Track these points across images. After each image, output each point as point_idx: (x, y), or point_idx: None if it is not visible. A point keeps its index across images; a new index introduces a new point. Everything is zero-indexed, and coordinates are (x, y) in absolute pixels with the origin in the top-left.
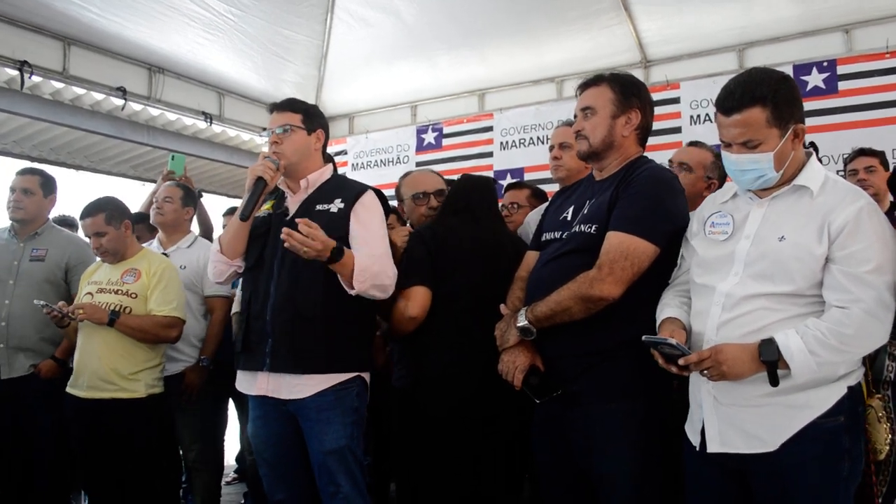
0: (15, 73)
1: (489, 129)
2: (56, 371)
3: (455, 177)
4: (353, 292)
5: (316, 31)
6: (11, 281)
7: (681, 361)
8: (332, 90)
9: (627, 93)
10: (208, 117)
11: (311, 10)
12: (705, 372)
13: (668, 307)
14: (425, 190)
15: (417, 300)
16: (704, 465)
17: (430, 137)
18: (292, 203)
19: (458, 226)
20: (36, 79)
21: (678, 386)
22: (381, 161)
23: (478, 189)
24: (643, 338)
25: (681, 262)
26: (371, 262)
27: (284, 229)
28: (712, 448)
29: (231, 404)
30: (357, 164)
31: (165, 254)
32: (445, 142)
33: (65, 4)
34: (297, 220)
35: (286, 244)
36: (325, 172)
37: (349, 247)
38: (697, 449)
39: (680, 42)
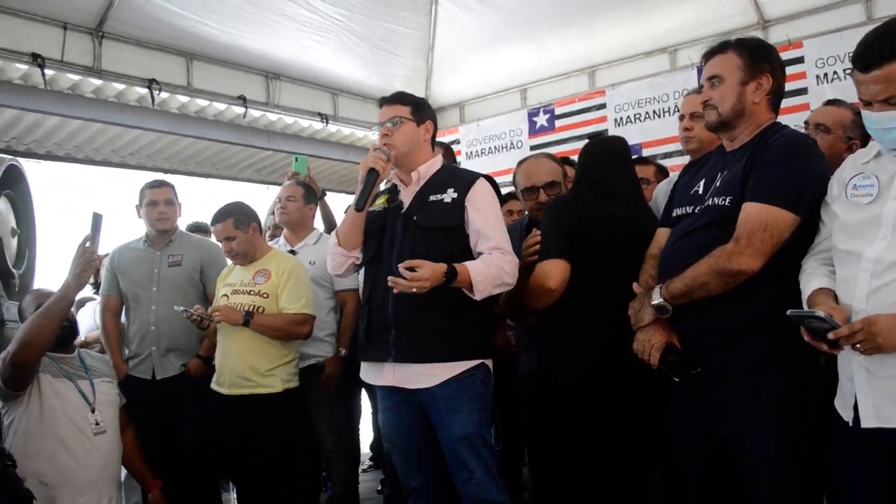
0: (145, 91)
1: (602, 106)
2: (202, 368)
3: (574, 157)
4: (477, 298)
5: (421, 24)
6: (155, 288)
7: (830, 335)
8: (440, 80)
9: (756, 56)
10: (324, 118)
11: (414, 3)
12: (858, 346)
13: (814, 277)
14: (534, 184)
15: (557, 273)
16: (858, 441)
17: (542, 120)
18: (406, 195)
19: (593, 200)
20: (164, 95)
21: (825, 360)
22: (495, 147)
23: (609, 157)
24: (788, 312)
25: (821, 228)
26: (487, 266)
27: (389, 278)
28: (867, 423)
29: (364, 394)
30: (471, 153)
31: (293, 251)
32: (558, 123)
33: (185, 21)
34: (399, 265)
35: (395, 290)
36: (436, 163)
37: (467, 233)
38: (850, 425)
39: None
